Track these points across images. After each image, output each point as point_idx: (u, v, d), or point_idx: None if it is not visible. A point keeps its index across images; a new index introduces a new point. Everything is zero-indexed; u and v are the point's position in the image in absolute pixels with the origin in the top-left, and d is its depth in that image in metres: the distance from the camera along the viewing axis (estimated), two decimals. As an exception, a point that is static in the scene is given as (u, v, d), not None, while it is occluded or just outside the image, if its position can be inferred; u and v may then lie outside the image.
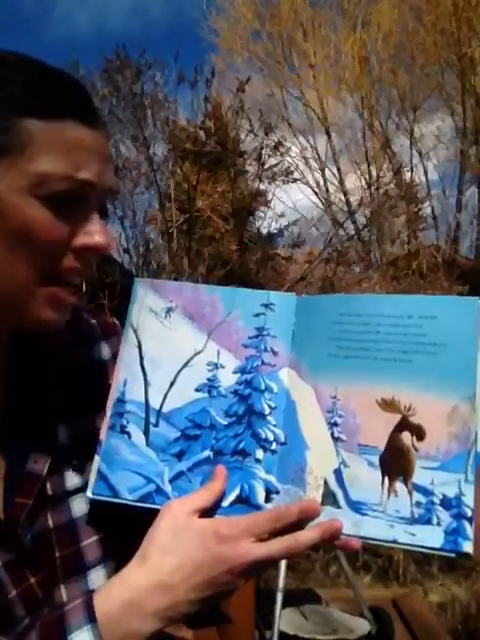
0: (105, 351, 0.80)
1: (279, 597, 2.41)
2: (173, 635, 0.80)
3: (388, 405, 0.63)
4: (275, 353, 0.69)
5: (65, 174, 0.60)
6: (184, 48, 6.47)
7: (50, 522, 0.68)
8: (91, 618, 0.59)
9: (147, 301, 0.73)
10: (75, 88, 0.64)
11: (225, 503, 0.65)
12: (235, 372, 0.70)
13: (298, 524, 0.62)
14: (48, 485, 0.68)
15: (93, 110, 0.64)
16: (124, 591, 0.60)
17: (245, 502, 0.65)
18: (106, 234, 0.64)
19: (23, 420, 0.68)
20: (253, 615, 2.44)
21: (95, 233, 0.63)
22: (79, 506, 0.70)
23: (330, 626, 2.69)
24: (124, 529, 0.71)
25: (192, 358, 0.71)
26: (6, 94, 0.59)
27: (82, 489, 0.70)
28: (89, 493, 0.69)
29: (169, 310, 0.72)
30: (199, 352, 0.71)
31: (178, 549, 0.61)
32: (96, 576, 0.70)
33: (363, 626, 2.66)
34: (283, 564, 2.45)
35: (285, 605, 2.49)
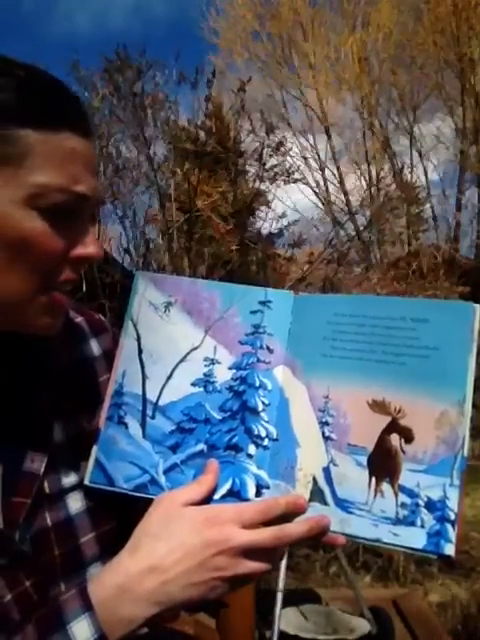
0: (95, 348, 0.81)
1: (279, 597, 2.40)
2: (174, 629, 0.80)
3: (378, 407, 0.64)
4: (271, 351, 0.70)
5: (63, 187, 0.60)
6: (184, 48, 6.47)
7: (48, 520, 0.68)
8: (88, 606, 0.59)
9: (147, 295, 0.74)
10: (69, 96, 0.64)
11: (216, 496, 0.66)
12: (231, 368, 0.71)
13: (285, 518, 0.63)
14: (46, 483, 0.68)
15: (86, 119, 0.65)
16: (115, 576, 0.61)
17: (236, 495, 0.66)
18: (99, 243, 0.66)
19: (17, 420, 0.68)
20: (253, 615, 2.44)
21: (90, 244, 0.65)
22: (75, 503, 0.71)
23: (330, 626, 2.68)
24: (120, 524, 0.71)
25: (189, 353, 0.72)
26: (2, 103, 0.59)
27: (78, 486, 0.71)
28: (86, 481, 0.70)
29: (168, 305, 0.73)
30: (196, 347, 0.72)
31: (169, 535, 0.62)
32: (95, 572, 0.70)
33: (363, 626, 2.65)
34: (283, 564, 2.45)
35: (285, 605, 2.48)
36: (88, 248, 0.64)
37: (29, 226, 0.60)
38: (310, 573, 3.77)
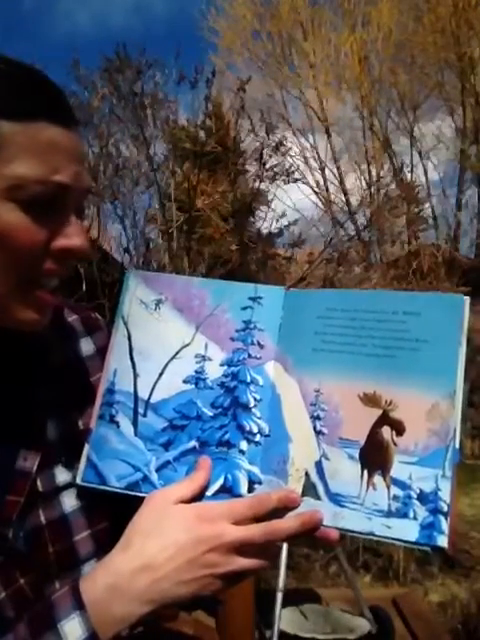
0: (89, 346, 0.80)
1: (279, 597, 2.40)
2: (173, 629, 0.80)
3: (370, 400, 0.64)
4: (262, 346, 0.70)
5: (42, 177, 0.59)
6: (184, 48, 6.44)
7: (42, 518, 0.68)
8: (79, 605, 0.59)
9: (138, 293, 0.74)
10: (47, 86, 0.63)
11: (209, 492, 0.66)
12: (222, 365, 0.70)
13: (277, 513, 0.63)
14: (38, 482, 0.68)
15: (66, 109, 0.64)
16: (107, 575, 0.61)
17: (228, 492, 0.66)
18: (84, 235, 0.64)
19: (10, 418, 0.68)
20: (253, 615, 2.43)
21: (73, 235, 0.63)
22: (70, 501, 0.70)
23: (330, 626, 2.68)
24: (115, 522, 0.71)
25: (180, 350, 0.72)
26: None
27: (72, 484, 0.71)
28: (78, 480, 0.70)
29: (159, 302, 0.73)
30: (187, 344, 0.71)
31: (160, 532, 0.61)
32: (90, 570, 0.69)
33: (363, 626, 2.65)
34: (283, 564, 2.44)
35: (285, 605, 2.48)
36: (71, 239, 0.63)
37: (8, 219, 0.59)
38: (310, 573, 3.77)
